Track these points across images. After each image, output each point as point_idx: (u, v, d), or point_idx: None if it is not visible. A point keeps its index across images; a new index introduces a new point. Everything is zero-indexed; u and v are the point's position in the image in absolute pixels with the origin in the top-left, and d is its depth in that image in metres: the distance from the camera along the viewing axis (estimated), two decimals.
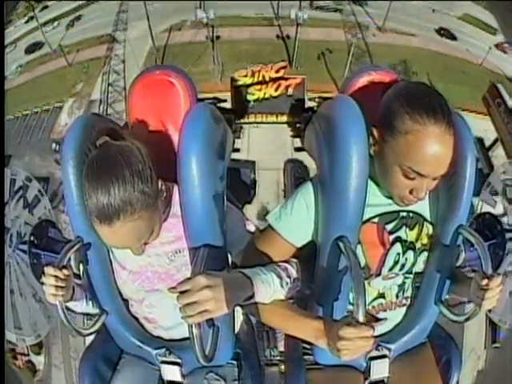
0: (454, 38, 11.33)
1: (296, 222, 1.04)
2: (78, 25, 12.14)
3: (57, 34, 11.82)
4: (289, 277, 1.03)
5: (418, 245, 1.06)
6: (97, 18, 11.97)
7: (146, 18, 10.30)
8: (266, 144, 8.88)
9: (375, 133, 0.96)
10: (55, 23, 12.21)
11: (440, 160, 0.90)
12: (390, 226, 1.03)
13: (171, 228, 1.04)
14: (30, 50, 11.43)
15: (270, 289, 0.97)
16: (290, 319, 1.00)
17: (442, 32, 11.51)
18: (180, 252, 1.05)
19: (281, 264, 1.04)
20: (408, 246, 1.05)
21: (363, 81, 1.13)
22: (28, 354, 6.77)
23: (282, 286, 1.00)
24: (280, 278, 1.00)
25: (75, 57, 11.36)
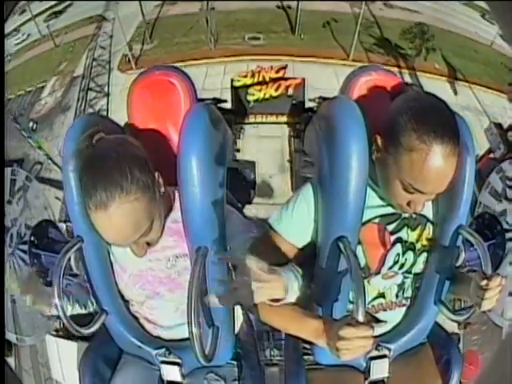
0: None
1: (297, 224, 1.04)
2: (70, 11, 11.86)
3: (47, 21, 11.57)
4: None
5: (418, 246, 1.07)
6: (88, 3, 11.65)
7: None
8: None
9: (379, 141, 0.95)
10: (47, 12, 11.93)
11: (442, 180, 0.90)
12: (391, 227, 1.04)
13: (172, 233, 1.04)
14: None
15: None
16: (290, 318, 1.00)
17: None
18: (181, 257, 1.05)
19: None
20: (408, 246, 1.06)
21: (363, 81, 1.13)
22: None
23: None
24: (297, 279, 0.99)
25: (63, 39, 11.03)
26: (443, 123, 0.88)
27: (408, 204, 0.95)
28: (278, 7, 10.70)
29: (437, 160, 0.87)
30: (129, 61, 8.42)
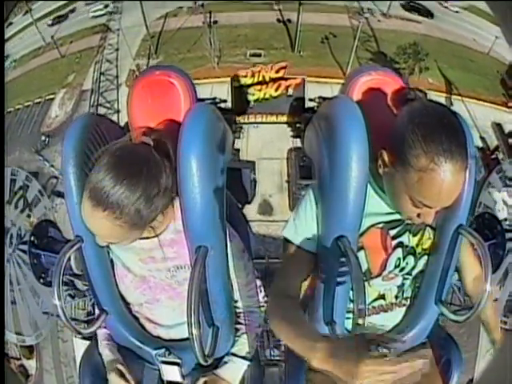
0: (430, 15, 10.88)
1: (311, 230, 1.03)
2: (72, 17, 11.81)
3: (50, 28, 11.48)
4: None
5: (419, 249, 1.06)
6: (90, 10, 11.58)
7: (140, 7, 9.88)
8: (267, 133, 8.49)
9: (385, 157, 0.94)
10: (49, 17, 11.90)
11: (452, 195, 0.89)
12: (393, 232, 1.03)
13: (173, 244, 1.04)
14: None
15: None
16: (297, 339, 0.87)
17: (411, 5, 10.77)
18: (182, 268, 1.06)
19: None
20: (409, 251, 1.05)
21: (363, 81, 1.13)
22: (20, 358, 6.63)
23: None
24: None
25: (68, 48, 10.96)
26: (453, 140, 0.85)
27: (418, 216, 0.94)
28: (279, 21, 10.78)
29: (447, 178, 0.85)
30: (136, 77, 8.49)
